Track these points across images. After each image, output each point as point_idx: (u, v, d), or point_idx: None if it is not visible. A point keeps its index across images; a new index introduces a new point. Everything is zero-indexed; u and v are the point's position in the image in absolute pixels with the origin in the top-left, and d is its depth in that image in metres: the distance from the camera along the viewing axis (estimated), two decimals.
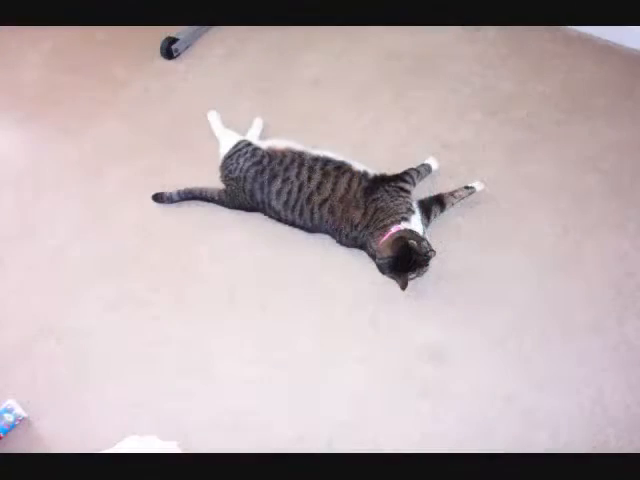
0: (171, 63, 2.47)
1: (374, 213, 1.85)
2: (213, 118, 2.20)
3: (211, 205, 2.03)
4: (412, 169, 2.00)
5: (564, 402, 1.67)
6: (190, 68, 2.45)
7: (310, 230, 1.95)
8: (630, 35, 2.41)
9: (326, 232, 1.93)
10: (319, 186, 1.88)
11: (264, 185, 1.91)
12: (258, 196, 1.93)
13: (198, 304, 1.85)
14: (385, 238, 1.78)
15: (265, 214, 1.98)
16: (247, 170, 1.93)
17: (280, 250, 1.95)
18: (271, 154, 1.97)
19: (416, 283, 1.87)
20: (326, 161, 1.93)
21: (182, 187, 2.04)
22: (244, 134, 2.12)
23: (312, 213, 1.89)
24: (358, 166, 1.94)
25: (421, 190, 2.03)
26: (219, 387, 1.70)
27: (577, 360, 1.73)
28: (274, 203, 1.92)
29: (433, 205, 1.95)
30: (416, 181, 2.00)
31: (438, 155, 2.11)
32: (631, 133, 2.19)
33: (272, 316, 1.83)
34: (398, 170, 1.99)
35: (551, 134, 2.20)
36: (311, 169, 1.90)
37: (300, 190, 1.89)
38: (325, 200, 1.87)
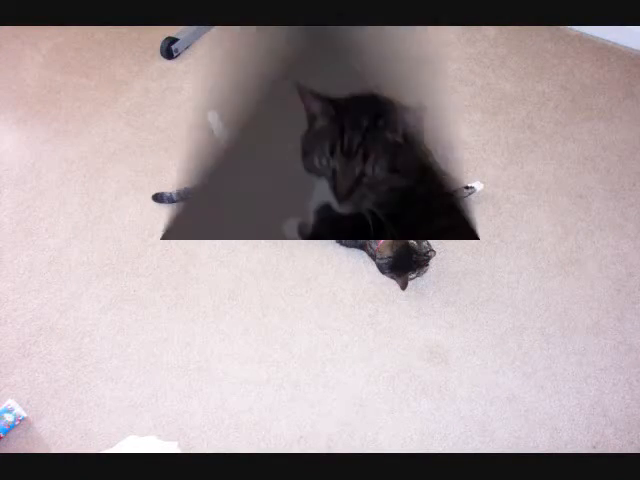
0: (171, 63, 2.47)
1: None
2: (213, 118, 2.20)
3: None
4: None
5: (564, 402, 1.67)
6: (190, 68, 2.45)
7: None
8: (630, 35, 2.41)
9: None
10: None
11: None
12: None
13: (198, 304, 1.85)
14: None
15: None
16: None
17: (280, 250, 1.95)
18: None
19: (416, 283, 1.87)
20: None
21: (182, 187, 2.05)
22: None
23: None
24: None
25: None
26: (219, 387, 1.70)
27: (577, 360, 1.74)
28: None
29: None
30: None
31: None
32: (631, 133, 2.20)
33: (272, 316, 1.83)
34: None
35: (551, 134, 2.21)
36: None
37: None
38: None
